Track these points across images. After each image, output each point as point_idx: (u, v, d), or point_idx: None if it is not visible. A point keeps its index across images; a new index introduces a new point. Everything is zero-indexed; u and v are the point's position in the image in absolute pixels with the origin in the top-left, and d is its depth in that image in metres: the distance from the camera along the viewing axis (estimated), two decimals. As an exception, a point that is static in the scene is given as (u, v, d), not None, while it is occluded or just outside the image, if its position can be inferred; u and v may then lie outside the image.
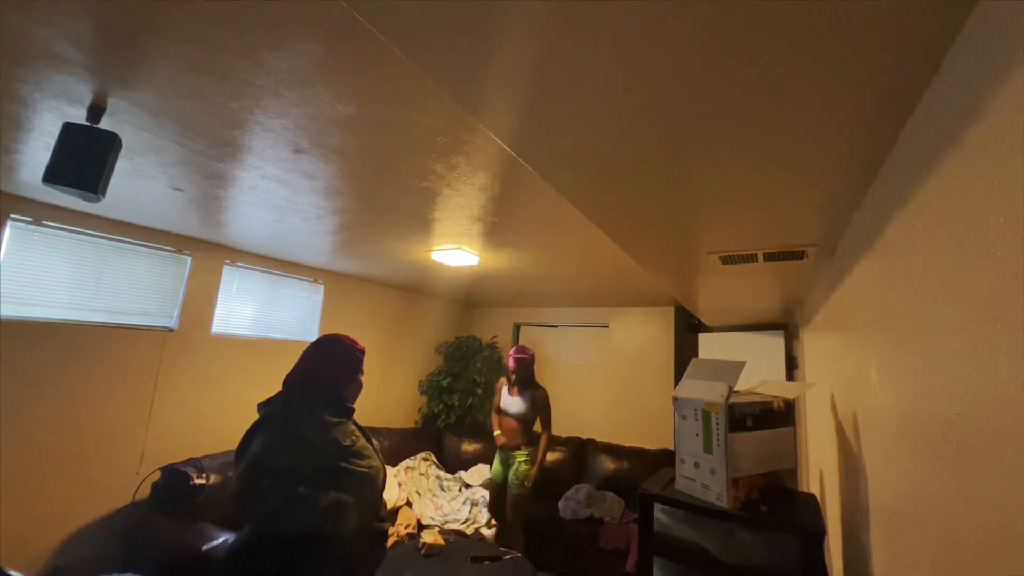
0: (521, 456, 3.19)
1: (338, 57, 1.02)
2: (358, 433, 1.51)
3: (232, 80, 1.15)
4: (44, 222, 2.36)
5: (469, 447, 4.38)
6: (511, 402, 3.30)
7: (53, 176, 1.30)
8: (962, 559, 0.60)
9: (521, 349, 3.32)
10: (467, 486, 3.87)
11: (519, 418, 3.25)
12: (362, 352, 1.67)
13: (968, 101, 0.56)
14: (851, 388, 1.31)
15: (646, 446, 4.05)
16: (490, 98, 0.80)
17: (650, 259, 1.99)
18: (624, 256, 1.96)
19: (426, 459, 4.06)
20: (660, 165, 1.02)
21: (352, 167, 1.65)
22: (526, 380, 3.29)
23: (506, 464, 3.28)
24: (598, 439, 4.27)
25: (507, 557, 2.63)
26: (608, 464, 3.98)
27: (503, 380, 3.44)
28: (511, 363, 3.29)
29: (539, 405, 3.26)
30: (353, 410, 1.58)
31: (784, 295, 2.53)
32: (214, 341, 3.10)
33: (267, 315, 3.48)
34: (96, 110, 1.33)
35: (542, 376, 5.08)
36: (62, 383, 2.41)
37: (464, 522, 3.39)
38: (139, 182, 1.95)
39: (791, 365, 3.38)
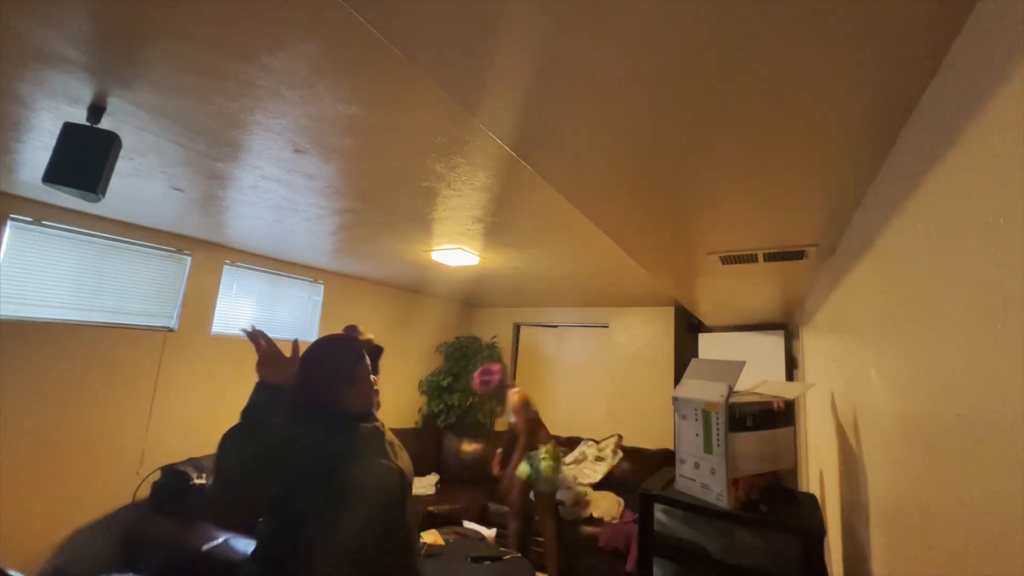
0: (541, 454, 3.23)
1: (338, 57, 1.02)
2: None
3: (232, 80, 1.15)
4: (44, 222, 2.36)
5: (469, 447, 4.38)
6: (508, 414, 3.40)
7: (53, 176, 1.30)
8: (962, 559, 0.60)
9: (485, 372, 3.35)
10: None
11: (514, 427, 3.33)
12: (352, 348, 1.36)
13: (968, 101, 0.56)
14: (851, 388, 1.31)
15: (646, 446, 4.06)
16: (490, 98, 0.80)
17: (650, 259, 1.99)
18: (624, 256, 1.96)
19: None
20: (660, 165, 1.02)
21: (352, 167, 1.65)
22: (500, 395, 3.35)
23: (530, 463, 3.31)
24: (598, 439, 4.27)
25: (507, 557, 2.63)
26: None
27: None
28: (478, 387, 3.34)
29: (514, 414, 3.29)
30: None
31: (784, 295, 2.53)
32: (214, 341, 3.10)
33: (267, 315, 3.48)
34: (96, 110, 1.33)
35: (542, 376, 5.11)
36: (62, 383, 2.41)
37: None
38: (139, 182, 1.95)
39: (791, 365, 3.38)
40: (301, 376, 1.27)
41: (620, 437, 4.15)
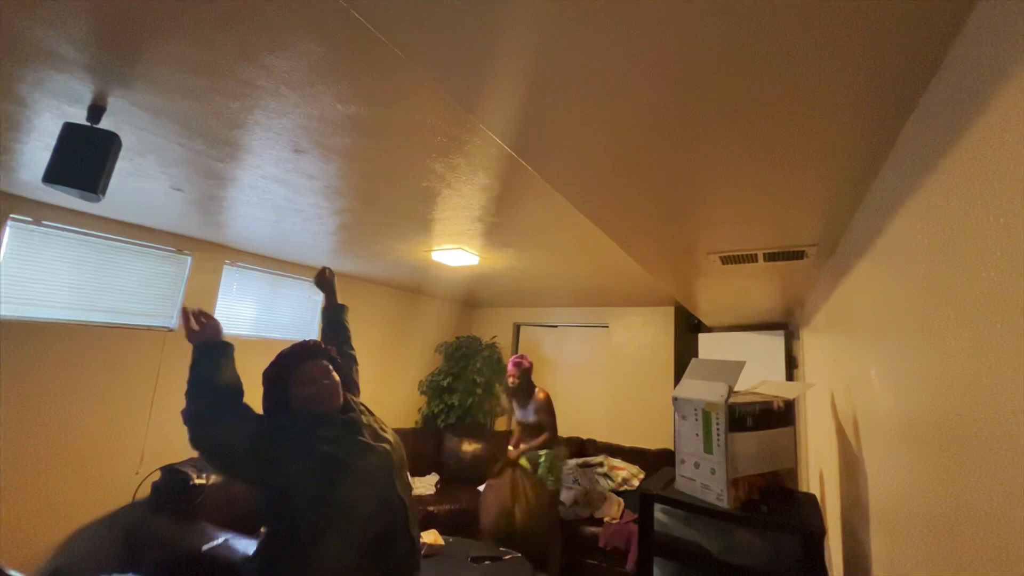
0: (543, 459, 3.24)
1: (338, 57, 1.02)
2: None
3: (232, 80, 1.15)
4: (44, 222, 2.36)
5: (469, 447, 4.37)
6: (520, 413, 3.41)
7: (53, 176, 1.30)
8: (961, 559, 0.60)
9: (520, 357, 3.41)
10: None
11: (533, 425, 3.34)
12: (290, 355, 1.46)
13: (968, 101, 0.56)
14: (851, 388, 1.31)
15: (646, 446, 4.05)
16: (490, 98, 0.80)
17: (650, 259, 1.99)
18: (624, 256, 1.96)
19: None
20: (660, 166, 1.02)
21: (352, 167, 1.65)
22: (527, 388, 3.37)
23: (534, 463, 3.30)
24: (598, 439, 4.27)
25: (507, 557, 2.63)
26: (608, 464, 3.97)
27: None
28: (512, 371, 3.36)
29: (541, 411, 3.32)
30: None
31: (784, 295, 2.53)
32: (214, 341, 3.09)
33: (267, 315, 3.48)
34: (96, 110, 1.33)
35: (542, 376, 5.11)
36: (62, 383, 2.41)
37: None
38: (139, 182, 1.95)
39: (791, 365, 3.38)
40: (263, 386, 1.45)
41: (643, 475, 3.93)
